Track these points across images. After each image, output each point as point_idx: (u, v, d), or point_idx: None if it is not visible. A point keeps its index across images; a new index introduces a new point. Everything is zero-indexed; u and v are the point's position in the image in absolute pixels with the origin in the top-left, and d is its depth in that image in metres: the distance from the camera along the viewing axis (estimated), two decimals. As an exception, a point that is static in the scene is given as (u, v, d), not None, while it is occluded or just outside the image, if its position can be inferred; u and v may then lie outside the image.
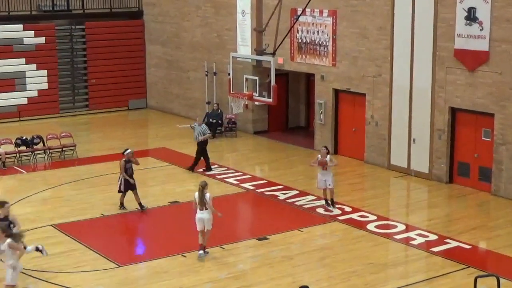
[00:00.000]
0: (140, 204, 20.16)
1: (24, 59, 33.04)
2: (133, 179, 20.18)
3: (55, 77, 33.95)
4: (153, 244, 18.30)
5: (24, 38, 33.09)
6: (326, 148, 20.32)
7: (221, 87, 30.32)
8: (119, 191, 20.20)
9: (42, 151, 26.26)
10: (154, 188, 22.97)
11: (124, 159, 20.26)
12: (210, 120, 29.29)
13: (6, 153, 25.29)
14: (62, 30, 34.37)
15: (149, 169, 25.09)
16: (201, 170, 24.25)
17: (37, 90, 33.44)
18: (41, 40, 33.46)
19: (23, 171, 24.74)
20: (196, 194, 16.84)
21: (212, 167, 24.39)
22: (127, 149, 20.49)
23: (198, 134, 24.38)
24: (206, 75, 31.45)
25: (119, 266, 16.39)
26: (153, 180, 24.15)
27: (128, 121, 33.69)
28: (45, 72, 33.58)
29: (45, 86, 33.64)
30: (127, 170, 20.15)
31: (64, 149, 26.45)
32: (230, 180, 23.15)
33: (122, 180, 20.04)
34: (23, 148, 25.86)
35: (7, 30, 32.83)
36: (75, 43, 34.76)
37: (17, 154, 25.71)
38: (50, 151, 26.32)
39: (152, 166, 25.38)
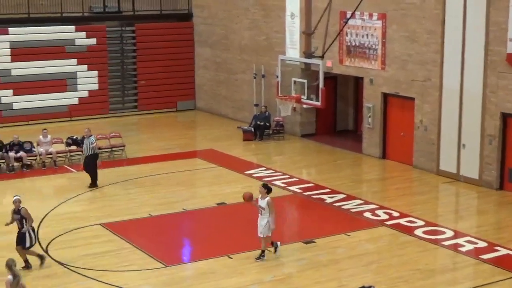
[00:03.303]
0: (26, 261, 16.53)
1: (75, 60, 33.49)
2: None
3: (105, 77, 34.34)
4: (200, 245, 18.37)
5: (76, 39, 33.55)
6: (264, 186, 16.90)
7: (269, 90, 30.34)
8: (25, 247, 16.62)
9: (92, 151, 26.57)
10: (201, 189, 23.08)
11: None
12: (258, 122, 29.33)
13: (57, 152, 25.65)
14: (113, 32, 34.76)
15: (196, 170, 25.24)
16: (249, 172, 24.27)
17: (88, 90, 33.86)
18: (93, 41, 33.88)
19: (73, 170, 25.06)
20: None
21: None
22: (14, 196, 16.88)
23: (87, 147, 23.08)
24: (254, 78, 31.51)
25: (166, 266, 16.48)
26: (201, 181, 24.28)
27: (176, 122, 33.90)
28: (95, 73, 34.00)
29: (95, 86, 34.05)
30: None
31: (113, 149, 26.73)
32: (277, 182, 23.13)
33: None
34: (73, 147, 26.20)
35: (60, 31, 33.31)
36: (125, 44, 35.13)
37: (68, 153, 26.06)
38: (100, 151, 26.58)
39: (199, 167, 25.51)
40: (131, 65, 35.33)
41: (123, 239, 18.12)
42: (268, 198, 16.63)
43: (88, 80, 33.85)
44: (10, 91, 32.31)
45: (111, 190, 22.60)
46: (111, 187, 22.92)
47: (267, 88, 30.64)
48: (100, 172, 24.59)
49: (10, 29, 32.41)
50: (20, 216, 16.26)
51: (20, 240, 16.31)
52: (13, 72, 32.34)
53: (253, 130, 29.32)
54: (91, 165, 22.87)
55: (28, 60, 32.55)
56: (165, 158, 26.49)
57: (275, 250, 17.00)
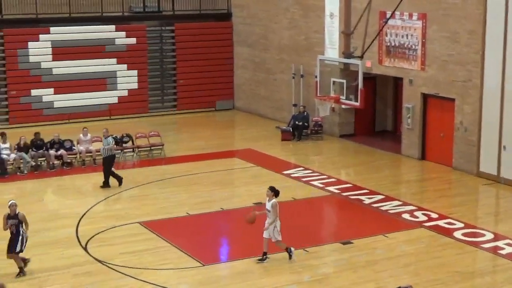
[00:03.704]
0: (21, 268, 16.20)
1: (115, 59, 33.77)
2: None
3: (145, 77, 34.57)
4: (237, 244, 18.39)
5: (116, 39, 33.82)
6: (272, 189, 16.77)
7: (307, 90, 30.28)
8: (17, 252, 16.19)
9: (131, 150, 26.78)
10: (239, 189, 23.13)
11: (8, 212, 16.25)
12: (296, 122, 29.30)
13: (97, 151, 25.84)
14: (153, 31, 34.98)
15: (234, 170, 25.29)
16: (287, 172, 24.24)
17: (127, 89, 34.12)
18: (132, 40, 34.13)
19: (113, 168, 25.19)
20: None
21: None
22: (10, 201, 16.47)
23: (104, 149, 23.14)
24: (293, 77, 31.47)
25: (203, 265, 16.53)
26: (238, 181, 24.33)
27: (215, 121, 33.99)
28: (135, 72, 34.23)
29: (135, 86, 34.29)
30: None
31: (152, 148, 26.90)
32: (315, 183, 23.08)
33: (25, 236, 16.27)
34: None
35: (100, 31, 33.61)
36: (164, 44, 35.33)
37: (107, 152, 26.28)
38: (139, 149, 26.81)
39: (237, 167, 25.55)
40: (170, 65, 35.51)
41: (161, 238, 18.22)
42: (273, 200, 16.49)
43: (127, 79, 34.11)
44: (51, 90, 32.69)
45: (150, 189, 22.73)
46: (149, 186, 23.05)
47: (306, 88, 30.58)
48: (139, 171, 24.84)
49: (52, 29, 32.78)
50: (18, 220, 15.93)
51: (13, 245, 15.94)
52: (54, 71, 32.71)
53: (291, 130, 29.29)
54: (107, 166, 22.89)
55: (68, 59, 32.90)
56: (203, 157, 26.58)
57: (262, 259, 16.68)
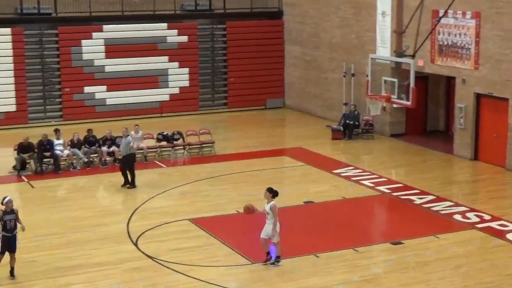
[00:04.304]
0: (13, 269, 15.86)
1: (167, 57, 34.02)
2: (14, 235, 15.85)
3: (196, 75, 34.76)
4: (287, 242, 18.31)
5: (167, 37, 34.08)
6: (269, 190, 16.39)
7: (358, 89, 30.12)
8: None
9: (182, 147, 26.95)
10: (289, 188, 23.07)
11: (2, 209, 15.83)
12: (347, 121, 29.16)
13: (148, 148, 26.11)
14: (204, 29, 35.15)
15: (284, 168, 25.29)
16: (337, 171, 24.14)
17: (179, 87, 34.35)
18: (184, 38, 34.34)
19: (163, 165, 25.46)
20: None
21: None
22: (5, 197, 15.98)
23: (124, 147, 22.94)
24: (344, 76, 31.32)
25: (252, 263, 16.55)
26: (288, 179, 24.31)
27: (265, 120, 34.01)
28: (186, 70, 34.46)
29: (186, 83, 34.52)
30: (6, 224, 15.71)
31: (202, 145, 27.03)
32: (366, 182, 22.95)
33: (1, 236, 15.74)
34: (164, 143, 26.62)
35: (152, 29, 33.90)
36: (216, 42, 35.47)
37: (158, 149, 26.49)
38: (189, 147, 26.97)
39: (287, 165, 25.54)
40: (221, 63, 35.64)
41: (210, 235, 18.30)
42: (272, 202, 16.16)
43: (179, 77, 34.35)
44: (104, 87, 33.08)
45: (200, 186, 22.84)
46: (199, 183, 23.17)
47: (357, 87, 30.42)
48: (189, 168, 24.96)
49: (105, 27, 33.17)
50: (15, 216, 15.72)
51: (14, 243, 15.66)
52: (107, 69, 33.10)
53: (342, 129, 29.17)
54: (128, 165, 22.76)
55: (121, 57, 33.25)
56: (254, 155, 26.63)
57: (266, 261, 16.38)
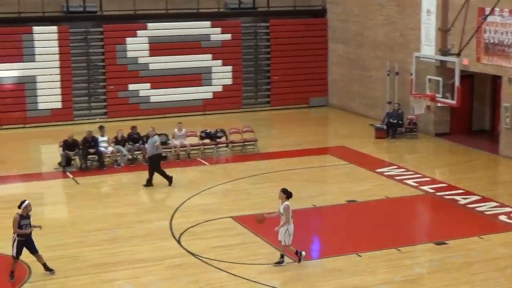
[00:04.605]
0: (45, 265, 15.89)
1: (211, 55, 34.14)
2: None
3: (239, 73, 34.82)
4: (329, 241, 18.32)
5: (211, 35, 34.19)
6: (284, 191, 16.31)
7: (402, 87, 29.88)
8: (13, 257, 15.63)
9: (225, 145, 27.01)
10: (331, 186, 23.03)
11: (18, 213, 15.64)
12: (391, 120, 28.96)
13: (191, 145, 26.22)
14: (247, 27, 35.19)
15: (327, 166, 25.20)
16: (380, 170, 23.99)
17: (222, 85, 34.45)
18: (227, 36, 34.42)
19: (206, 163, 25.55)
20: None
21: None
22: (24, 201, 15.80)
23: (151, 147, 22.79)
24: (388, 75, 31.11)
25: (294, 262, 16.53)
26: (331, 178, 24.23)
27: (308, 118, 33.92)
28: (230, 68, 34.54)
29: (229, 81, 34.59)
30: (22, 228, 15.53)
31: (245, 143, 27.07)
32: (409, 182, 22.76)
33: (16, 241, 15.53)
34: (207, 141, 26.72)
35: (196, 27, 34.04)
36: (259, 40, 35.49)
37: (201, 147, 26.59)
38: (232, 145, 27.02)
39: (330, 164, 25.45)
40: (264, 61, 35.66)
41: (253, 233, 18.31)
42: (286, 203, 16.03)
43: (222, 75, 34.44)
44: (148, 85, 33.31)
45: (243, 184, 22.88)
46: (242, 181, 23.21)
47: (401, 85, 30.18)
48: (232, 166, 25.01)
49: (149, 25, 33.40)
50: (30, 221, 15.60)
51: (32, 244, 15.60)
52: (151, 66, 33.32)
53: (385, 128, 28.97)
54: (154, 165, 22.71)
55: (165, 54, 33.44)
56: (296, 154, 26.59)
57: (278, 263, 16.27)
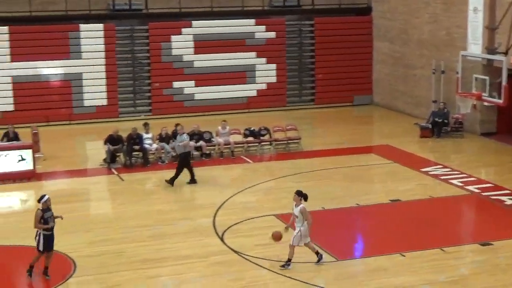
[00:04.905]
0: (46, 268, 15.66)
1: (255, 53, 34.18)
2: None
3: (284, 71, 34.80)
4: (372, 240, 18.22)
5: (255, 33, 34.23)
6: (299, 193, 16.09)
7: (448, 86, 29.58)
8: (39, 250, 15.55)
9: (268, 143, 27.02)
10: (375, 185, 22.91)
11: (40, 208, 15.56)
12: (436, 119, 28.68)
13: (235, 143, 26.28)
14: (292, 25, 35.16)
15: (371, 165, 25.06)
16: (425, 170, 23.80)
17: (266, 83, 34.46)
18: (272, 34, 34.42)
19: (250, 161, 25.59)
20: None
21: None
22: (44, 195, 15.74)
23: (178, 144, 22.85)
24: (433, 73, 30.81)
25: (337, 260, 16.48)
26: (375, 177, 24.10)
27: (352, 117, 33.79)
28: (274, 66, 34.54)
29: (273, 79, 34.60)
30: (47, 221, 15.46)
31: (289, 141, 27.04)
32: (454, 181, 22.52)
33: (42, 236, 15.48)
34: (250, 138, 26.75)
35: (241, 25, 34.11)
36: (303, 38, 35.43)
37: (245, 145, 26.63)
38: (276, 142, 27.02)
39: (374, 162, 25.30)
40: (308, 59, 35.59)
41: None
42: (301, 205, 15.85)
43: (266, 73, 34.45)
44: (192, 82, 33.48)
45: (286, 182, 22.85)
46: (285, 179, 23.19)
47: (446, 84, 29.88)
48: (276, 164, 25.02)
49: (194, 22, 33.56)
50: (52, 212, 15.55)
51: (52, 242, 15.55)
52: (196, 64, 33.49)
53: (430, 127, 28.70)
54: (184, 163, 22.64)
55: (209, 52, 33.58)
56: (340, 152, 26.50)
57: (318, 261, 16.13)
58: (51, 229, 15.45)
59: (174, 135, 25.66)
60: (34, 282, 15.49)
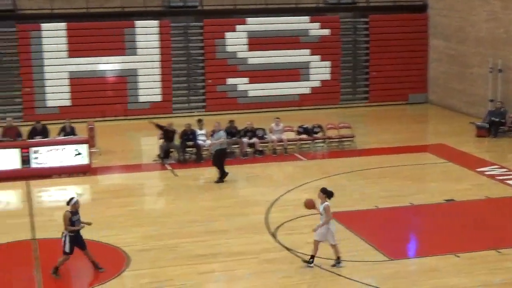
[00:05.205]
0: (94, 262, 15.78)
1: (309, 50, 34.10)
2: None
3: (337, 68, 34.66)
4: (426, 240, 18.01)
5: (309, 30, 34.13)
6: (323, 191, 15.98)
7: (506, 85, 29.11)
8: (65, 253, 15.50)
9: (322, 140, 26.92)
10: (429, 185, 22.65)
11: (69, 210, 15.50)
12: (492, 118, 28.24)
13: (288, 140, 26.25)
14: (346, 23, 34.99)
15: (426, 164, 24.79)
16: (481, 170, 23.44)
17: (320, 80, 34.36)
18: (326, 32, 34.30)
19: (303, 158, 25.53)
20: None
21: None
22: (73, 198, 15.71)
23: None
24: (491, 72, 30.33)
25: (390, 260, 16.33)
26: (429, 176, 23.83)
27: (406, 115, 33.48)
28: (328, 63, 34.42)
29: (327, 77, 34.48)
30: (73, 224, 15.42)
31: (342, 139, 26.91)
32: (511, 182, 22.13)
33: (68, 237, 15.42)
34: (304, 136, 26.68)
35: (295, 22, 34.06)
36: (358, 35, 35.22)
37: (298, 142, 26.58)
38: (329, 140, 26.91)
39: (429, 162, 25.02)
40: (363, 56, 35.38)
41: (348, 229, 18.18)
42: (326, 203, 15.65)
43: (320, 70, 34.36)
44: (246, 79, 33.55)
45: (339, 180, 22.74)
46: (339, 177, 23.08)
47: (504, 83, 29.40)
48: (329, 162, 24.92)
49: (248, 19, 33.63)
50: (79, 215, 15.52)
51: (82, 241, 15.52)
52: (249, 61, 33.55)
53: (487, 126, 28.26)
54: (219, 160, 22.64)
55: (263, 49, 33.62)
56: (394, 151, 26.27)
57: (334, 265, 15.82)
58: (77, 231, 15.44)
59: (227, 131, 25.74)
60: (90, 275, 15.69)
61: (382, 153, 25.89)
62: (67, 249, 15.34)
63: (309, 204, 16.06)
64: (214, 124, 23.72)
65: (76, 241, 15.44)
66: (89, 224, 15.68)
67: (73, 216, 15.34)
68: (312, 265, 15.83)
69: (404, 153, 25.87)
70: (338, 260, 15.89)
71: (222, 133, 23.03)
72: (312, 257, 15.88)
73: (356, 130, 27.83)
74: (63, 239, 15.38)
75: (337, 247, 15.91)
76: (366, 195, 21.12)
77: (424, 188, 22.23)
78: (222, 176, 22.57)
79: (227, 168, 22.71)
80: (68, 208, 15.41)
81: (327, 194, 15.80)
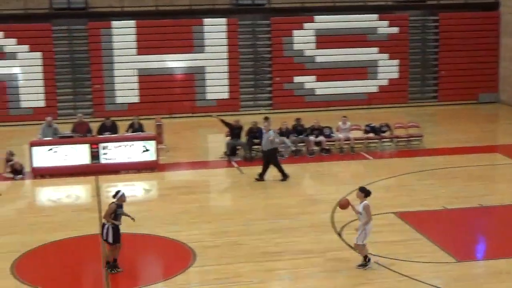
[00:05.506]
0: (115, 260, 15.66)
1: (377, 48, 33.83)
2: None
3: (406, 67, 34.31)
4: (495, 242, 17.67)
5: (377, 28, 33.87)
6: (362, 190, 15.74)
7: None
8: (110, 243, 15.50)
9: (389, 139, 26.68)
10: (500, 186, 22.24)
11: (115, 203, 15.57)
12: None
13: (355, 139, 26.09)
14: (416, 21, 34.60)
15: (496, 165, 24.35)
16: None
17: (388, 79, 34.07)
18: (394, 30, 33.99)
19: (370, 157, 25.35)
20: None
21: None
22: (119, 191, 15.72)
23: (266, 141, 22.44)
24: None
25: (457, 262, 16.07)
26: (500, 177, 23.41)
27: (477, 115, 32.93)
28: (396, 61, 34.10)
29: (395, 75, 34.17)
30: (116, 217, 15.49)
31: (410, 138, 26.62)
32: None
33: (110, 228, 15.42)
34: (371, 135, 26.48)
35: (363, 20, 33.83)
36: (427, 33, 34.79)
37: (365, 141, 26.40)
38: (397, 139, 26.65)
39: (499, 162, 24.57)
40: (432, 55, 34.95)
41: (415, 230, 17.97)
42: (365, 202, 15.33)
43: (388, 69, 34.07)
44: (313, 77, 33.49)
45: (407, 180, 22.51)
46: (407, 177, 22.84)
47: None
48: (396, 161, 24.69)
49: (316, 17, 33.55)
50: (123, 211, 15.53)
51: (118, 235, 15.49)
52: (317, 59, 33.46)
53: (559, 126, 27.65)
54: (273, 160, 22.47)
55: (331, 47, 33.50)
56: (463, 151, 25.87)
57: (362, 265, 15.56)
58: (119, 224, 15.53)
59: (294, 129, 25.75)
60: (155, 270, 15.88)
61: (451, 153, 25.53)
62: (110, 239, 15.32)
63: (344, 204, 15.95)
64: (264, 124, 23.53)
65: (118, 232, 15.45)
66: (132, 219, 15.76)
67: (118, 209, 15.46)
68: (369, 265, 15.63)
69: (474, 154, 25.45)
70: (366, 260, 15.64)
71: (272, 133, 22.89)
72: (366, 257, 15.71)
73: (425, 129, 27.53)
74: (105, 231, 15.41)
75: (366, 247, 15.67)
76: (434, 196, 20.84)
77: (493, 189, 21.84)
78: (283, 174, 22.54)
79: (291, 167, 22.64)
80: (115, 200, 15.53)
81: (365, 193, 15.63)
